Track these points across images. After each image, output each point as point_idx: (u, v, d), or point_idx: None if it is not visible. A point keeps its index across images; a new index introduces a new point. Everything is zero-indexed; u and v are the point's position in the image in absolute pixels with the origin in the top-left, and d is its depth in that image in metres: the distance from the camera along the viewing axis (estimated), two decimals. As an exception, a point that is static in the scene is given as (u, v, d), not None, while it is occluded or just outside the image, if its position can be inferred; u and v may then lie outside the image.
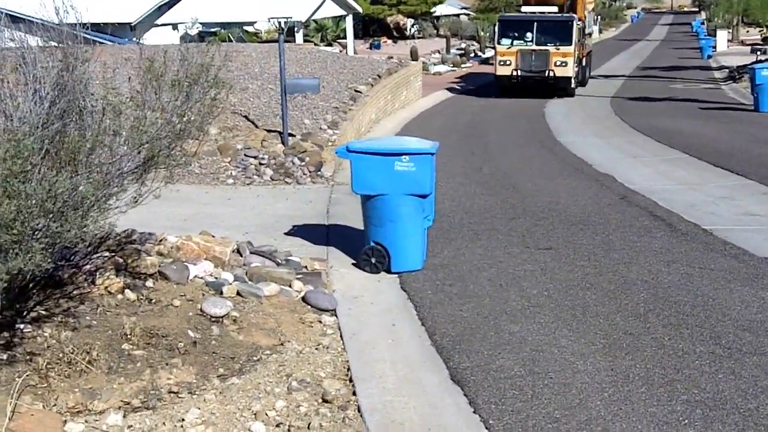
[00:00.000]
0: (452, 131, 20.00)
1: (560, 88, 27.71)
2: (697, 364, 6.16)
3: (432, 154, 8.43)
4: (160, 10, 31.14)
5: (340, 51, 33.19)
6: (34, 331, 6.05)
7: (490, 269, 8.58)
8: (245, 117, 15.59)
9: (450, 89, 30.34)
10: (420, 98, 25.91)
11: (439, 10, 49.88)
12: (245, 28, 35.45)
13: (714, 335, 6.70)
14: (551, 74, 27.38)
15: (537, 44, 27.43)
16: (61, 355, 5.76)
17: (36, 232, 4.60)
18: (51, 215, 4.72)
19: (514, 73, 27.49)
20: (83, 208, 5.26)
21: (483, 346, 6.55)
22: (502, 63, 27.69)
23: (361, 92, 19.91)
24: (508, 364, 6.20)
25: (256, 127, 15.18)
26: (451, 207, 11.49)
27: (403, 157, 8.33)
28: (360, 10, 39.48)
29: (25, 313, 6.17)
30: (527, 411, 5.46)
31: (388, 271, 8.40)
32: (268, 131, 14.90)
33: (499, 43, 27.98)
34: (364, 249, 8.56)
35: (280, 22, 14.68)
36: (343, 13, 36.40)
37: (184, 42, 27.85)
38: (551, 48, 27.31)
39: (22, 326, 6.05)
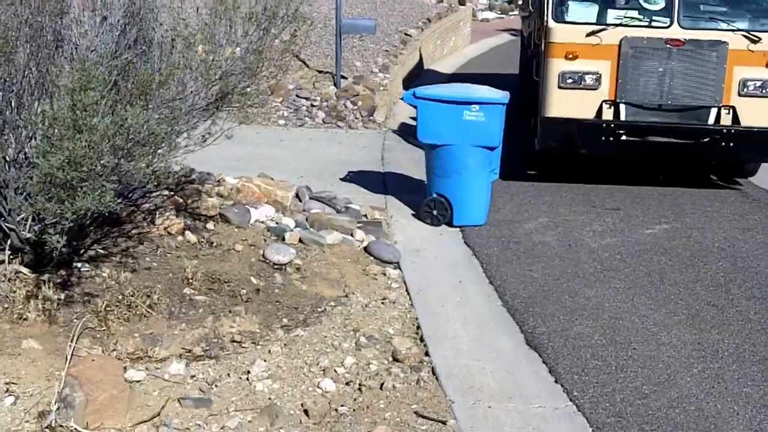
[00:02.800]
0: (500, 79, 19.45)
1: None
2: (788, 342, 5.82)
3: (503, 104, 8.04)
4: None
5: (387, -7, 32.48)
6: (92, 271, 5.80)
7: (557, 228, 8.22)
8: (296, 56, 15.17)
9: (498, 36, 29.65)
10: (468, 45, 25.28)
11: (487, -45, 48.84)
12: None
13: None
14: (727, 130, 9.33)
15: (686, 26, 9.35)
16: (120, 297, 5.51)
17: (106, 170, 4.29)
18: (122, 152, 4.41)
19: (606, 121, 9.37)
20: (152, 145, 4.95)
21: (558, 311, 6.22)
22: (561, 84, 9.37)
23: (411, 36, 19.35)
24: (587, 332, 5.87)
25: (307, 66, 14.77)
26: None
27: (473, 106, 7.95)
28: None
29: (82, 252, 5.91)
30: (613, 384, 5.14)
31: (450, 224, 8.06)
32: (319, 72, 14.48)
33: (556, 18, 9.43)
34: (426, 200, 8.22)
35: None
36: (392, -47, 35.61)
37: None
38: (735, 41, 9.24)
39: (79, 265, 5.80)
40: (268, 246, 6.53)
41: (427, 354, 5.39)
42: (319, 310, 5.96)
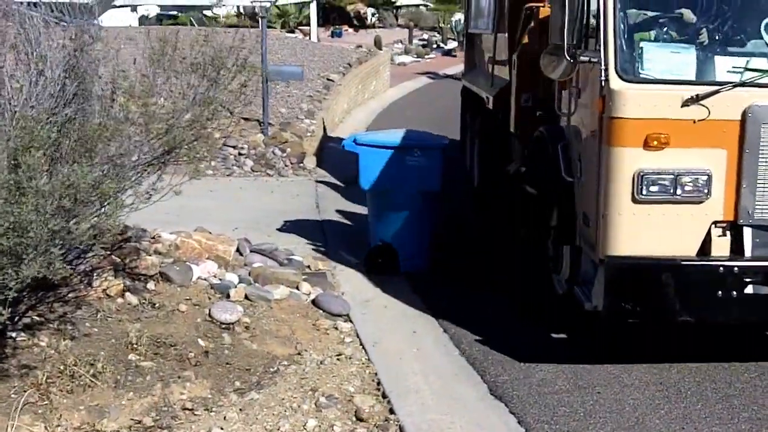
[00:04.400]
0: (425, 122, 19.48)
1: None
2: (747, 377, 5.77)
3: (443, 148, 7.98)
4: (119, -9, 30.14)
5: (303, 38, 32.53)
6: (29, 340, 5.46)
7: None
8: (220, 104, 14.91)
9: (416, 80, 29.87)
10: (389, 88, 25.37)
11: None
12: (205, 12, 34.55)
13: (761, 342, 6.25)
14: None
15: None
16: (62, 367, 5.17)
17: (53, 234, 4.01)
18: (69, 214, 4.14)
19: (719, 262, 5.44)
20: (97, 204, 4.68)
21: (517, 354, 6.09)
22: (639, 193, 5.42)
23: (333, 81, 19.32)
24: (550, 377, 5.74)
25: (232, 114, 14.53)
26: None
27: (415, 151, 7.86)
28: (323, -4, 38.82)
29: (16, 320, 5.56)
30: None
31: (396, 271, 7.90)
32: (245, 119, 14.26)
33: (624, 71, 5.50)
34: (370, 248, 8.06)
35: (255, 6, 14.09)
36: (306, -1, 35.74)
37: (142, 24, 27.00)
38: None
39: (13, 335, 5.45)
40: (214, 304, 6.27)
41: (391, 411, 5.18)
42: (272, 370, 5.71)
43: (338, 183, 11.75)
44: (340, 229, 9.41)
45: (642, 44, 5.65)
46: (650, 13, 5.87)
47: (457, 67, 29.17)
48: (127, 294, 6.13)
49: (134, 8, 30.93)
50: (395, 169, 7.84)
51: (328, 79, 19.21)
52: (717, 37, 5.79)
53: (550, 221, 6.72)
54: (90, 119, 5.01)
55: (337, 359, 5.94)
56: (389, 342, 6.29)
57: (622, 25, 5.58)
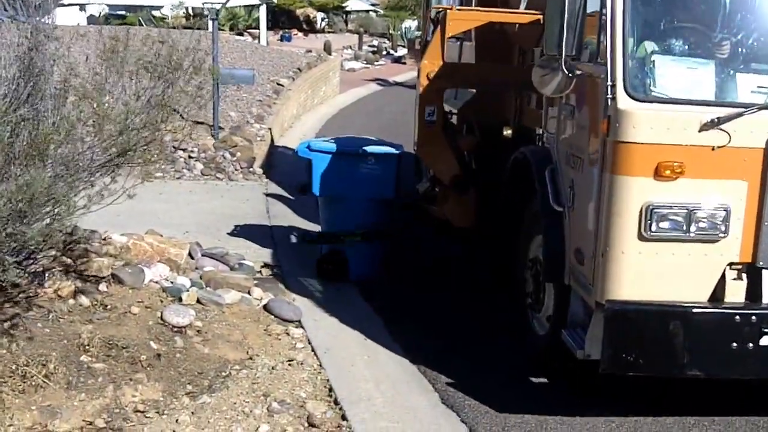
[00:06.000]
0: (376, 130, 19.52)
1: None
2: None
3: (398, 156, 8.01)
4: (67, -12, 29.71)
5: (252, 41, 32.38)
6: (-22, 341, 5.38)
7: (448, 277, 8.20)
8: (174, 107, 14.80)
9: (367, 86, 29.92)
10: (338, 94, 25.39)
11: (349, 4, 49.40)
12: (153, 12, 34.21)
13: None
14: None
15: None
16: (14, 367, 5.12)
17: (8, 239, 3.97)
18: (24, 218, 4.10)
19: (735, 309, 4.87)
20: (50, 207, 4.64)
21: (468, 363, 6.15)
22: (647, 229, 4.80)
23: (283, 86, 19.30)
24: (500, 387, 5.81)
25: (183, 118, 14.42)
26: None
27: (369, 158, 7.89)
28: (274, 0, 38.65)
29: (-35, 320, 5.49)
30: (536, 442, 5.07)
31: (346, 278, 7.93)
32: (196, 123, 14.17)
33: (633, 88, 4.85)
34: (321, 254, 8.07)
35: (209, 7, 14.02)
36: (257, 2, 35.52)
37: (90, 24, 26.64)
38: None
39: (-37, 335, 5.37)
40: (166, 308, 6.23)
41: (344, 418, 5.21)
42: (224, 374, 5.70)
43: (289, 188, 11.73)
44: (289, 234, 9.40)
45: (654, 57, 4.93)
46: (665, 22, 5.13)
47: (406, 74, 29.29)
48: (79, 295, 6.08)
49: (82, 7, 30.53)
50: (348, 176, 7.85)
51: (278, 84, 19.19)
52: (739, 52, 5.06)
53: (528, 252, 6.23)
54: (44, 120, 4.97)
55: (289, 365, 5.95)
56: (341, 349, 6.32)
57: (632, 35, 4.87)
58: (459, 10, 8.03)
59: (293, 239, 9.03)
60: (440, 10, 8.06)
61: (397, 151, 7.99)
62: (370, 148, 7.99)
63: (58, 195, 4.31)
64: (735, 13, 5.12)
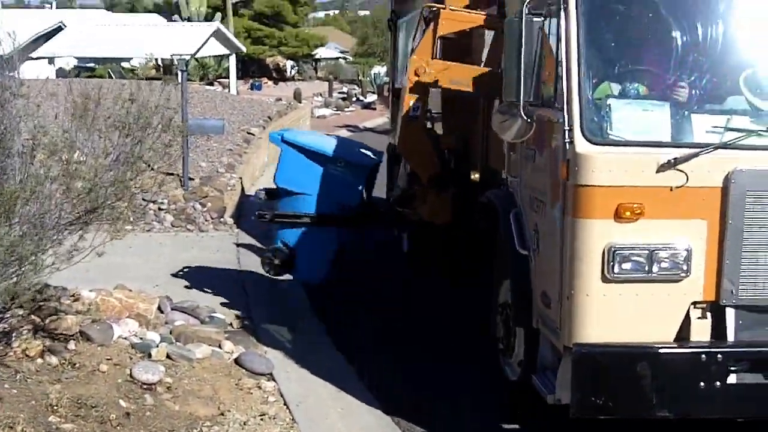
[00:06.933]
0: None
1: None
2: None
3: (369, 167, 7.93)
4: (36, 42, 29.74)
5: (222, 90, 32.52)
6: (-56, 402, 5.28)
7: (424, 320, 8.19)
8: (139, 157, 14.77)
9: (337, 132, 30.06)
10: (309, 142, 25.49)
11: (319, 52, 49.79)
12: (122, 64, 34.29)
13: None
14: None
15: None
16: (-21, 431, 5.03)
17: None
18: (-10, 276, 4.07)
19: (700, 347, 4.88)
20: (16, 265, 4.61)
21: (443, 411, 6.12)
22: (609, 272, 4.85)
23: (253, 134, 19.34)
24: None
25: (151, 168, 14.40)
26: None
27: (339, 162, 7.80)
28: (244, 49, 38.87)
29: (-70, 382, 5.40)
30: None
31: (289, 274, 7.81)
32: (166, 174, 14.14)
33: (591, 132, 4.93)
34: (269, 248, 7.97)
35: (174, 59, 14.08)
36: (226, 52, 35.75)
37: (59, 77, 26.62)
38: None
39: (-72, 396, 5.28)
40: (135, 364, 6.17)
41: (318, 473, 5.16)
42: (195, 431, 5.63)
43: (260, 237, 11.70)
44: (261, 284, 9.35)
45: (610, 101, 5.00)
46: (619, 65, 5.22)
47: (376, 120, 29.52)
48: (47, 354, 5.99)
49: (51, 60, 30.54)
50: (314, 175, 7.73)
51: (248, 133, 19.22)
52: (693, 93, 5.13)
53: (498, 297, 6.27)
54: (10, 177, 4.95)
55: (261, 419, 5.89)
56: (314, 401, 6.28)
57: (587, 79, 4.96)
58: (452, 10, 7.84)
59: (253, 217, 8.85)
60: (433, 8, 7.95)
61: (371, 161, 7.87)
62: (342, 153, 7.83)
63: (24, 253, 4.26)
64: (687, 54, 5.22)
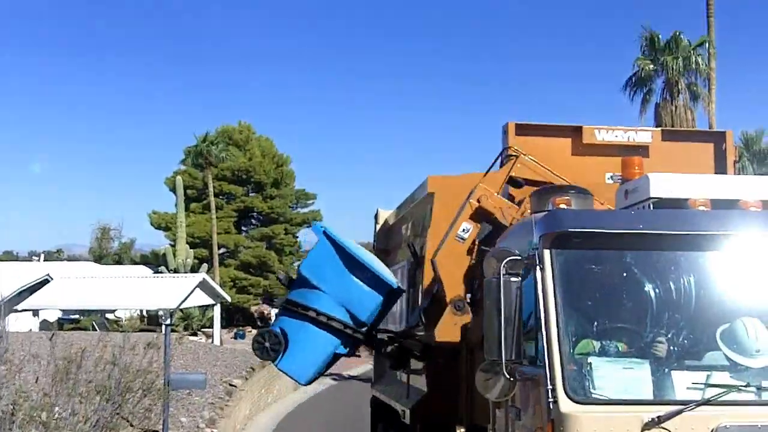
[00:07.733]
0: (333, 428, 19.18)
1: None
2: None
3: (393, 287, 7.62)
4: (21, 295, 30.01)
5: (206, 341, 32.50)
6: None
7: None
8: (118, 413, 14.53)
9: (320, 381, 29.65)
10: (292, 391, 25.16)
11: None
12: (107, 315, 34.43)
13: None
14: None
15: None
16: None
17: None
18: None
19: None
20: None
21: None
22: None
23: (236, 386, 19.19)
24: None
25: (131, 425, 14.14)
26: None
27: (367, 272, 7.50)
28: (228, 299, 39.19)
29: None
30: None
31: (273, 361, 7.47)
32: (144, 431, 13.87)
33: (573, 391, 4.96)
34: (262, 330, 7.64)
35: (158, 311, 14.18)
36: (211, 302, 36.03)
37: (43, 330, 26.64)
38: None
39: None
40: None
41: None
42: None
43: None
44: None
45: (591, 359, 5.03)
46: (597, 324, 5.26)
47: (361, 367, 29.19)
48: None
49: (36, 312, 30.67)
50: (338, 275, 7.48)
51: (230, 385, 19.05)
52: (671, 349, 5.19)
53: None
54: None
55: None
56: None
57: (567, 337, 5.02)
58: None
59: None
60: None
61: (394, 282, 7.63)
62: (375, 267, 7.61)
63: None
64: (663, 311, 5.31)
